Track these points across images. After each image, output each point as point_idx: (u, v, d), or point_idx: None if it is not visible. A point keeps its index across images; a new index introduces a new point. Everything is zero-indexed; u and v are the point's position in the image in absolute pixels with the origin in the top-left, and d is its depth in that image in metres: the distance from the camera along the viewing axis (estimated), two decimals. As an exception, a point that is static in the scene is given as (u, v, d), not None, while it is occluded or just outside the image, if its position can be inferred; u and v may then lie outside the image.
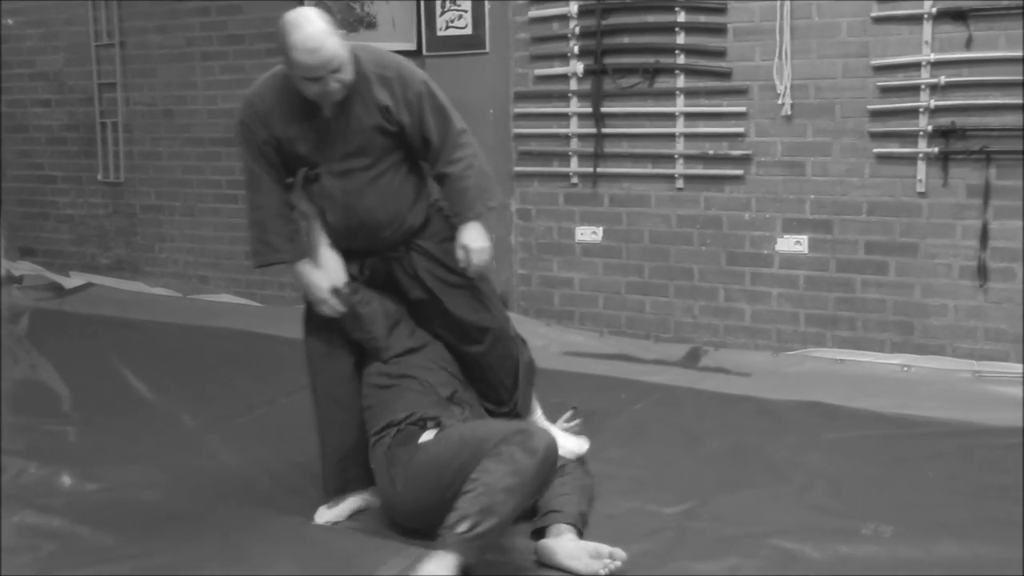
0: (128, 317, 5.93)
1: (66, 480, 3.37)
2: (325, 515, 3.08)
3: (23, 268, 7.09)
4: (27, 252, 7.19)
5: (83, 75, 6.68)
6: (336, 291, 3.04)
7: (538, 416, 3.37)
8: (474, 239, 3.04)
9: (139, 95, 6.52)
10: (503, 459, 2.56)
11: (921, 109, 4.43)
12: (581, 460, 3.07)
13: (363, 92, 2.94)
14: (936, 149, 4.42)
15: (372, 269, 3.15)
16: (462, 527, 2.46)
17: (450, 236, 3.10)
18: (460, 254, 3.05)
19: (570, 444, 3.19)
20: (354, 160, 3.00)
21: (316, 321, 3.13)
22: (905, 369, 4.51)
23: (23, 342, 5.40)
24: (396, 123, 2.98)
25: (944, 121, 4.40)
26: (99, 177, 6.73)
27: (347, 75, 2.86)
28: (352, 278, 3.09)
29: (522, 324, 5.19)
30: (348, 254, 3.10)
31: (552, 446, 2.64)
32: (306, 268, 3.04)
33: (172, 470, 3.50)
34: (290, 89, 2.91)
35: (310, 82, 2.82)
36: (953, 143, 4.40)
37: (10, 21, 6.93)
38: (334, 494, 3.13)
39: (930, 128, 4.42)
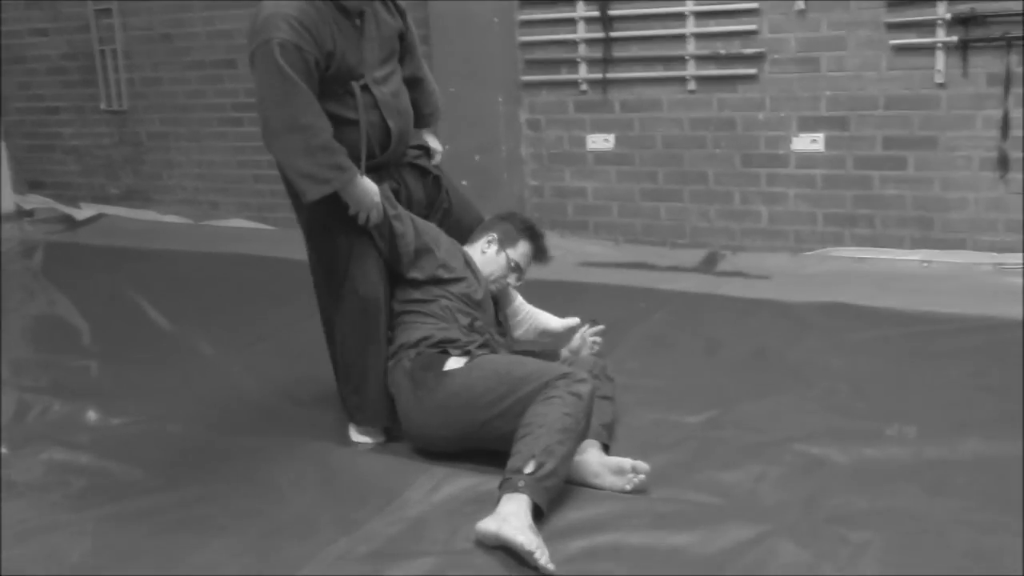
0: (141, 247, 5.92)
1: (91, 415, 3.37)
2: (360, 436, 3.07)
3: (33, 201, 7.06)
4: (36, 185, 7.16)
5: (77, 2, 6.55)
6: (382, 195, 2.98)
7: (519, 301, 3.42)
8: (437, 143, 3.35)
9: (136, 20, 6.40)
10: (553, 403, 2.56)
11: (939, -4, 4.31)
12: (603, 368, 3.06)
13: None
14: (955, 38, 4.30)
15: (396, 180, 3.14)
16: (529, 467, 2.43)
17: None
18: (437, 157, 3.30)
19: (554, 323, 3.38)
20: (388, 65, 3.06)
21: (357, 251, 3.00)
22: (925, 265, 4.47)
23: (39, 277, 5.40)
24: (406, 26, 3.15)
25: (963, 8, 4.27)
26: (102, 106, 6.66)
27: None
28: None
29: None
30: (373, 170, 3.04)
31: (592, 390, 2.67)
32: (362, 178, 2.90)
33: (195, 401, 3.50)
34: (322, 2, 2.85)
35: None
36: (972, 30, 4.28)
37: (-1, -51, 6.79)
38: (379, 423, 3.06)
39: (949, 16, 4.30)
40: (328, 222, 2.98)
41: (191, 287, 5.06)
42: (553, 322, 3.37)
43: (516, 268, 3.25)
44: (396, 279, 3.09)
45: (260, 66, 2.77)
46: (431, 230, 3.13)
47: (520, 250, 3.26)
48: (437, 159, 3.32)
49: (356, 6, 2.92)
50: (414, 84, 3.21)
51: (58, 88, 6.87)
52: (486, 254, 3.22)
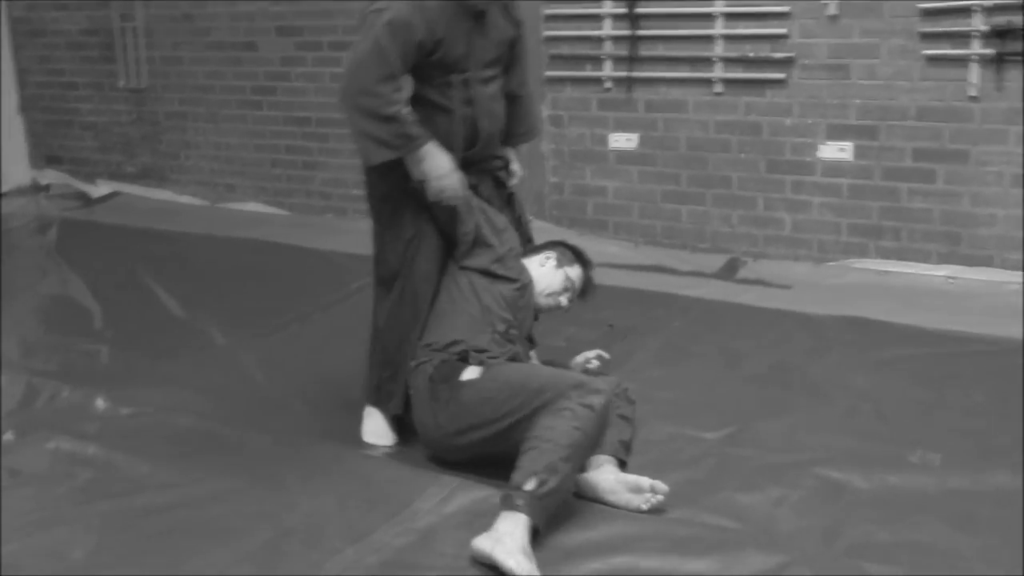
0: (156, 228, 5.87)
1: (100, 404, 3.32)
2: (375, 437, 3.04)
3: (49, 176, 7.03)
4: (53, 160, 7.11)
5: (99, -23, 6.50)
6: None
7: None
8: (519, 165, 3.30)
9: (158, -2, 6.35)
10: (564, 416, 2.49)
11: (975, 8, 4.22)
12: (625, 390, 2.99)
13: (507, 4, 3.08)
14: (991, 50, 4.21)
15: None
16: (530, 485, 2.37)
17: None
18: (515, 178, 3.27)
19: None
20: (492, 69, 3.05)
21: (423, 241, 2.99)
22: (951, 281, 4.39)
23: (53, 254, 5.36)
24: (519, 36, 3.15)
25: (1000, 20, 4.18)
26: (121, 83, 6.60)
27: None
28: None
29: (554, 234, 5.09)
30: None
31: (607, 402, 2.60)
32: (436, 146, 2.88)
33: (205, 392, 3.45)
34: None
35: None
36: (1009, 44, 4.19)
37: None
38: (396, 410, 3.03)
39: (985, 28, 4.20)
40: (397, 204, 2.97)
41: (205, 272, 5.02)
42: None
43: (571, 288, 3.20)
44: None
45: (364, 30, 2.82)
46: (499, 223, 3.09)
47: (576, 271, 3.22)
48: (515, 180, 3.28)
49: (475, 6, 2.91)
50: (515, 99, 3.20)
51: (77, 63, 6.82)
52: (544, 268, 3.17)
